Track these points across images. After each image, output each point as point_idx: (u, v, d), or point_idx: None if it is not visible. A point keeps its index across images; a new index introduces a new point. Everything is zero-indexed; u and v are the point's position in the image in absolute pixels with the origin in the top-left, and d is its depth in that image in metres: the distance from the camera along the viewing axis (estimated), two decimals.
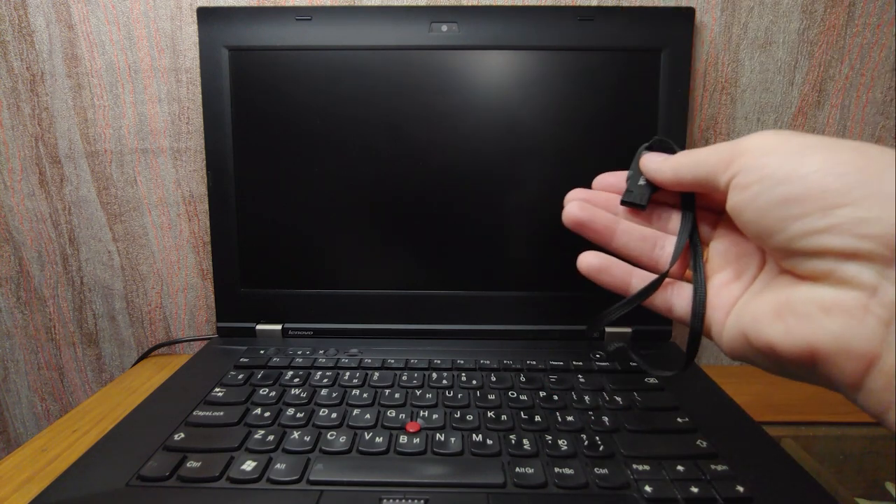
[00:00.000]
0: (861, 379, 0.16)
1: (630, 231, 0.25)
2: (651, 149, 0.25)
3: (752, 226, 0.19)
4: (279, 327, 0.41)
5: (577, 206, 0.26)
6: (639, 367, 0.32)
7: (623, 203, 0.25)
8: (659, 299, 0.25)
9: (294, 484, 0.23)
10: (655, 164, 0.24)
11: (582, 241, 0.40)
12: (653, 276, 0.25)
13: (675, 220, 0.25)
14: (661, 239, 0.25)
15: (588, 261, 0.26)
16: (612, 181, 0.27)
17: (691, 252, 0.24)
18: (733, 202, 0.20)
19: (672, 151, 0.24)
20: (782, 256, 0.19)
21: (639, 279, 0.25)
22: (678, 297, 0.24)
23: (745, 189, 0.19)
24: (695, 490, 0.23)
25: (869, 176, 0.16)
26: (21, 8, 0.41)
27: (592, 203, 0.26)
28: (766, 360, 0.19)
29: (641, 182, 0.25)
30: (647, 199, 0.25)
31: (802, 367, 0.17)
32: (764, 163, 0.18)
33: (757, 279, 0.22)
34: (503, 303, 0.40)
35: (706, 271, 0.24)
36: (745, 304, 0.21)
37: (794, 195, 0.17)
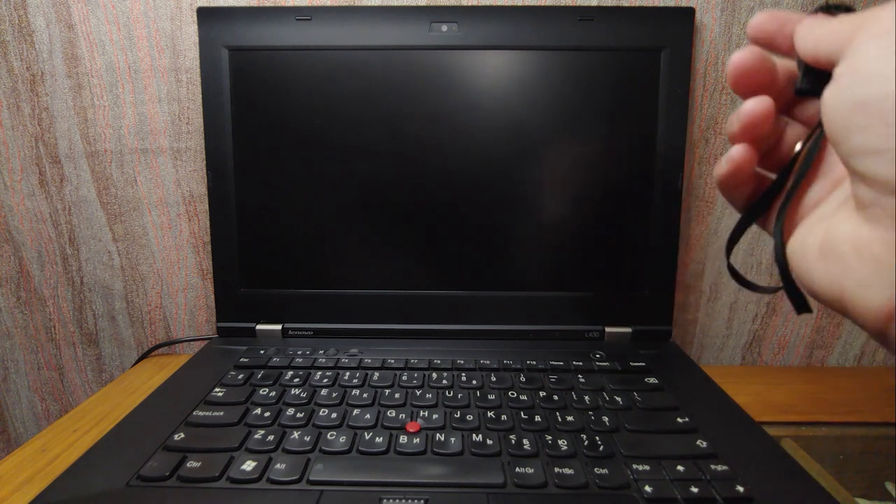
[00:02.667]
0: (883, 327, 0.15)
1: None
2: (829, 10, 0.18)
3: (829, 126, 0.16)
4: (279, 327, 0.41)
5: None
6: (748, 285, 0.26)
7: (799, 92, 0.20)
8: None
9: (294, 484, 0.23)
10: (803, 31, 0.18)
11: (579, 242, 0.40)
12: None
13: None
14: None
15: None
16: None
17: (798, 171, 0.20)
18: (826, 92, 0.16)
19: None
20: (848, 172, 0.16)
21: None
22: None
23: (837, 79, 0.16)
24: (695, 490, 0.23)
25: None
26: (21, 8, 0.41)
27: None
28: (812, 294, 0.18)
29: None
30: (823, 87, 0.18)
31: (835, 308, 0.17)
32: (865, 50, 0.15)
33: (830, 197, 0.19)
34: (503, 303, 0.40)
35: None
36: (802, 232, 0.19)
37: (870, 99, 0.14)
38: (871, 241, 0.15)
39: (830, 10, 0.18)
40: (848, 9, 0.18)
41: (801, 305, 0.19)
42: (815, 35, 0.18)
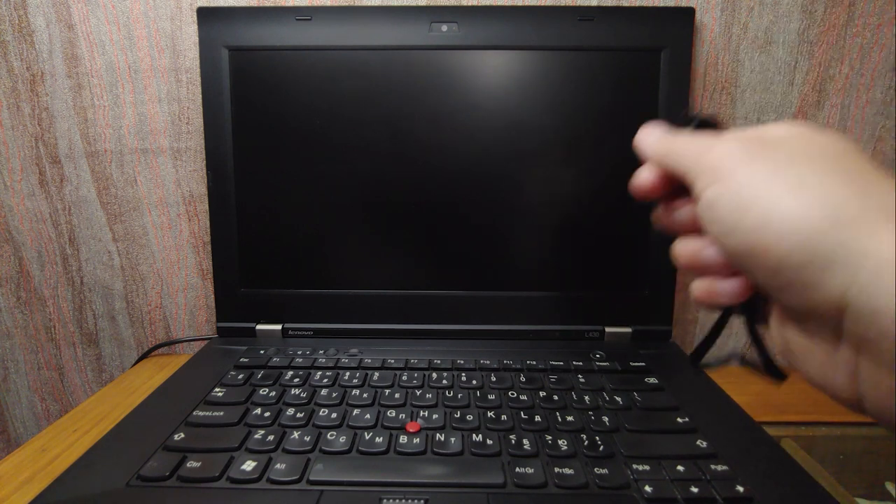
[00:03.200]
0: (859, 411, 0.17)
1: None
2: (698, 126, 0.22)
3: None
4: (279, 327, 0.41)
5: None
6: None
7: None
8: None
9: (294, 484, 0.23)
10: (648, 140, 0.22)
11: (579, 242, 0.40)
12: None
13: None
14: None
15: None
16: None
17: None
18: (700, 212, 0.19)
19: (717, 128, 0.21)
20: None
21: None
22: None
23: (705, 211, 0.18)
24: (695, 490, 0.23)
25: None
26: (21, 8, 0.41)
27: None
28: None
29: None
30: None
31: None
32: (719, 195, 0.17)
33: None
34: (503, 303, 0.40)
35: None
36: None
37: (751, 250, 0.16)
38: (811, 349, 0.17)
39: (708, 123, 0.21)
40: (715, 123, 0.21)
41: (778, 376, 0.21)
42: (660, 146, 0.21)
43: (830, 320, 0.16)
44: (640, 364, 0.35)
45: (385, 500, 0.22)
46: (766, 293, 0.18)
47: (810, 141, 0.18)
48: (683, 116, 0.22)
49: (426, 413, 0.29)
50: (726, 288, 0.20)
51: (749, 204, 0.16)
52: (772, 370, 0.21)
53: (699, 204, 0.18)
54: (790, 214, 0.16)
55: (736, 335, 0.46)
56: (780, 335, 0.19)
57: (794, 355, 0.18)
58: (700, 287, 0.21)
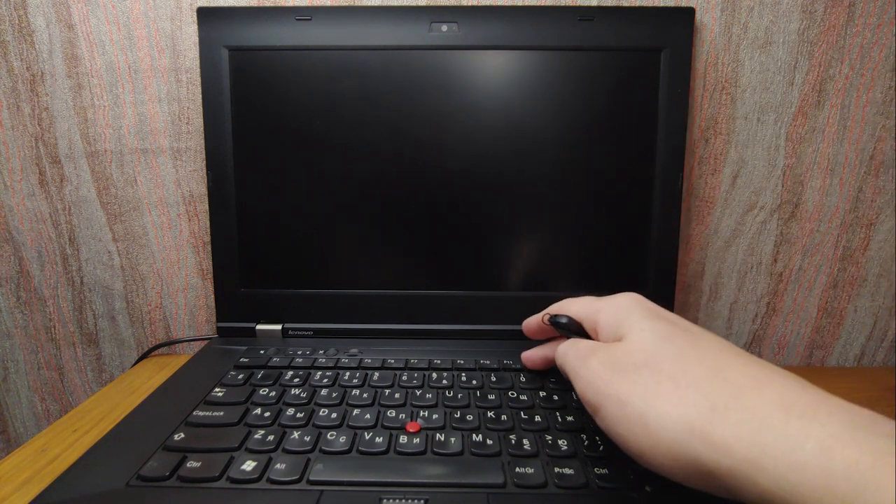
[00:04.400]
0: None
1: None
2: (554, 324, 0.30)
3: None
4: (279, 327, 0.41)
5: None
6: None
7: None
8: None
9: (294, 484, 0.23)
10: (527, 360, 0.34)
11: (579, 242, 0.40)
12: None
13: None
14: None
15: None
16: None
17: None
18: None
19: (563, 328, 0.29)
20: None
21: None
22: None
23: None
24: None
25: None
26: (21, 8, 0.41)
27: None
28: None
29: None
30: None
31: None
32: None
33: None
34: (503, 303, 0.40)
35: None
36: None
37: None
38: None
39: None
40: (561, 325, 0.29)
41: None
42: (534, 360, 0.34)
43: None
44: None
45: (385, 500, 0.22)
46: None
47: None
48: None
49: (426, 413, 0.29)
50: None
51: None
52: None
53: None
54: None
55: (736, 335, 0.46)
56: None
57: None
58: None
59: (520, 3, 0.41)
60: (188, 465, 0.25)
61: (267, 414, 0.29)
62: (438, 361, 0.35)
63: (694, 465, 0.18)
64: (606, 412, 0.22)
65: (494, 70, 0.38)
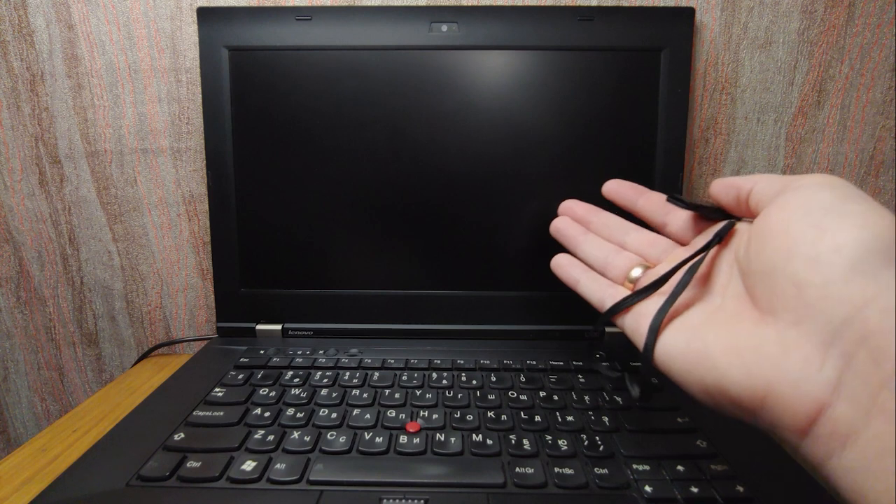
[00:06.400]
0: (809, 426, 0.16)
1: (591, 242, 0.31)
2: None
3: (761, 239, 0.20)
4: (279, 327, 0.41)
5: (559, 219, 0.33)
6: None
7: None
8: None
9: (294, 484, 0.23)
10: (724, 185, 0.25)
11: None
12: (595, 278, 0.29)
13: (633, 235, 0.30)
14: (612, 252, 0.29)
15: (555, 259, 0.32)
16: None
17: (685, 274, 0.23)
18: (766, 217, 0.20)
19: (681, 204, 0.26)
20: (763, 280, 0.19)
21: (586, 279, 0.30)
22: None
23: (783, 207, 0.19)
24: (695, 490, 0.23)
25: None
26: (21, 8, 0.41)
27: (574, 213, 0.33)
28: (709, 397, 0.19)
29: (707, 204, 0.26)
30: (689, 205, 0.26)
31: (746, 407, 0.18)
32: (808, 190, 0.19)
33: (697, 305, 0.22)
34: (503, 303, 0.40)
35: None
36: (694, 331, 0.21)
37: (814, 223, 0.18)
38: (799, 342, 0.17)
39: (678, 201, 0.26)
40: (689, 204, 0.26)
41: (647, 395, 0.23)
42: (747, 185, 0.23)
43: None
44: (640, 364, 0.35)
45: (385, 500, 0.22)
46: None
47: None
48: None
49: (426, 413, 0.29)
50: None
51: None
52: (646, 386, 0.23)
53: (761, 215, 0.20)
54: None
55: None
56: (745, 336, 0.19)
57: (762, 356, 0.18)
58: None
59: (520, 4, 0.41)
60: (188, 465, 0.25)
61: (267, 414, 0.29)
62: (438, 361, 0.35)
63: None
64: None
65: (494, 70, 0.38)
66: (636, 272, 0.27)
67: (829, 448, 0.16)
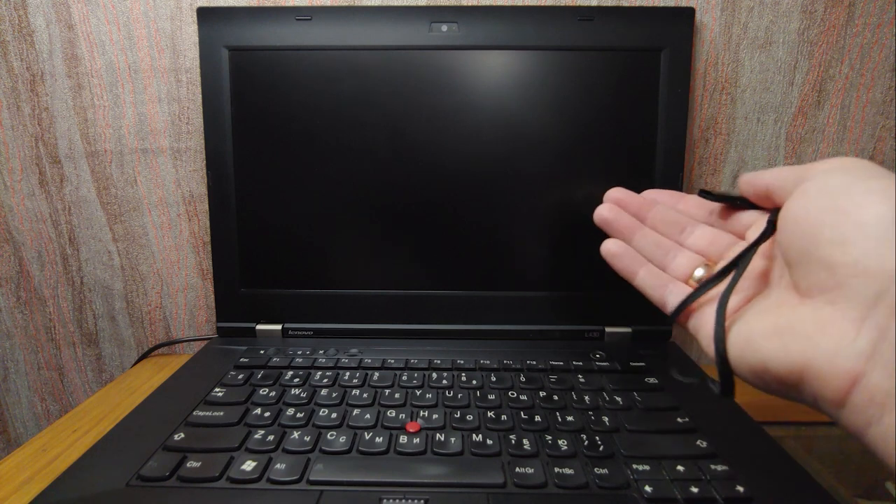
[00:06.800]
0: (846, 396, 0.17)
1: (647, 236, 0.29)
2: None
3: (790, 227, 0.20)
4: (279, 327, 0.41)
5: (607, 207, 0.31)
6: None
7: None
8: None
9: (294, 484, 0.23)
10: (750, 174, 0.25)
11: (579, 242, 0.40)
12: (657, 273, 0.28)
13: (694, 234, 0.28)
14: (672, 249, 0.28)
15: (608, 246, 0.30)
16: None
17: (734, 274, 0.23)
18: (790, 205, 0.21)
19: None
20: (799, 263, 0.20)
21: (645, 273, 0.29)
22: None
23: (804, 194, 0.20)
24: (695, 490, 0.23)
25: None
26: (21, 8, 0.41)
27: (625, 204, 0.30)
28: (757, 377, 0.20)
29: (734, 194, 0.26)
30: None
31: (789, 383, 0.19)
32: (826, 175, 0.20)
33: (755, 299, 0.23)
34: (503, 303, 0.40)
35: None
36: (742, 320, 0.22)
37: (837, 206, 0.18)
38: (834, 319, 0.17)
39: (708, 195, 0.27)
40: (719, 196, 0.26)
41: (728, 387, 0.22)
42: (765, 180, 0.23)
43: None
44: (640, 364, 0.35)
45: (385, 500, 0.22)
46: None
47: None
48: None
49: (426, 413, 0.29)
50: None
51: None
52: (725, 379, 0.22)
53: (786, 203, 0.21)
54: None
55: None
56: (785, 319, 0.19)
57: (800, 335, 0.18)
58: None
59: (520, 3, 0.41)
60: (188, 465, 0.25)
61: (267, 414, 0.29)
62: (438, 361, 0.35)
63: None
64: None
65: (494, 70, 0.38)
66: (699, 272, 0.26)
67: (868, 416, 0.16)
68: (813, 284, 0.19)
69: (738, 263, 0.23)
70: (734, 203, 0.26)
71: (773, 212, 0.23)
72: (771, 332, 0.19)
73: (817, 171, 0.20)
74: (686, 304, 0.25)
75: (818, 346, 0.18)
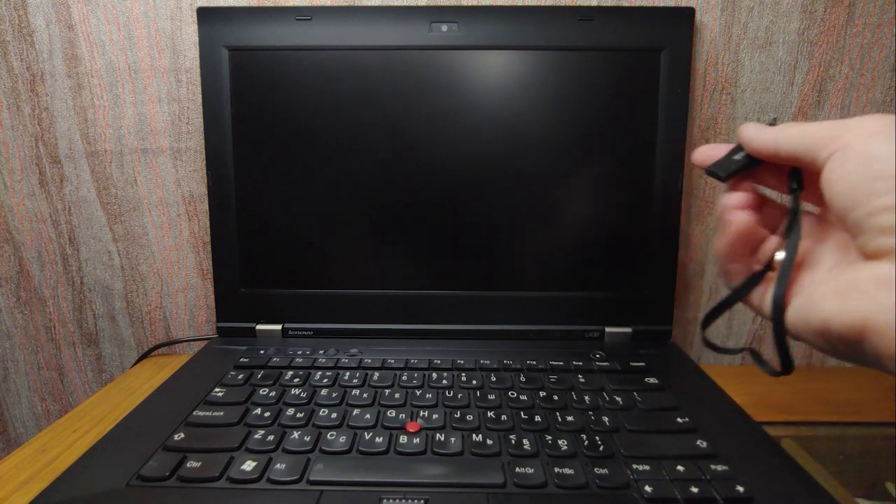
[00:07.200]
0: None
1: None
2: None
3: (840, 198, 0.20)
4: (279, 327, 0.41)
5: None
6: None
7: (707, 172, 0.25)
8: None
9: (294, 484, 0.23)
10: (753, 130, 0.23)
11: (579, 242, 0.40)
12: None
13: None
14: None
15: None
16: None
17: (790, 239, 0.23)
18: (830, 174, 0.20)
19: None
20: (857, 232, 0.19)
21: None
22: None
23: (844, 163, 0.20)
24: (695, 490, 0.23)
25: None
26: (21, 8, 0.41)
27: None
28: (820, 337, 0.20)
29: (738, 156, 0.24)
30: (729, 173, 0.24)
31: (851, 343, 0.19)
32: (868, 141, 0.19)
33: (819, 267, 0.22)
34: (503, 303, 0.40)
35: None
36: (809, 289, 0.21)
37: (886, 172, 0.18)
38: (892, 277, 0.18)
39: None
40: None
41: (786, 361, 0.22)
42: (770, 134, 0.22)
43: None
44: (640, 364, 0.35)
45: (385, 500, 0.22)
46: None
47: None
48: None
49: (426, 413, 0.29)
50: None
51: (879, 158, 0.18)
52: (784, 357, 0.22)
53: (834, 164, 0.20)
54: None
55: (736, 335, 0.46)
56: (845, 280, 0.19)
57: (859, 293, 0.18)
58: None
59: (520, 3, 0.41)
60: (188, 465, 0.25)
61: (267, 414, 0.29)
62: (438, 361, 0.35)
63: None
64: None
65: (494, 70, 0.38)
66: (780, 255, 0.24)
67: None
68: (872, 249, 0.19)
69: (790, 234, 0.23)
70: (748, 166, 0.24)
71: (794, 173, 0.23)
72: (831, 294, 0.20)
73: (856, 135, 0.20)
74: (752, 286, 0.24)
75: (878, 301, 0.18)
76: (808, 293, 0.21)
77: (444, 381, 0.32)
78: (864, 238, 0.19)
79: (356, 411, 0.29)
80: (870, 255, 0.19)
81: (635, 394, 0.31)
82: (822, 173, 0.20)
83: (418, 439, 0.26)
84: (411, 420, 0.28)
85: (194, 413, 0.29)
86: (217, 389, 0.32)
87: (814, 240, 0.23)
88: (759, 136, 0.23)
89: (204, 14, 0.39)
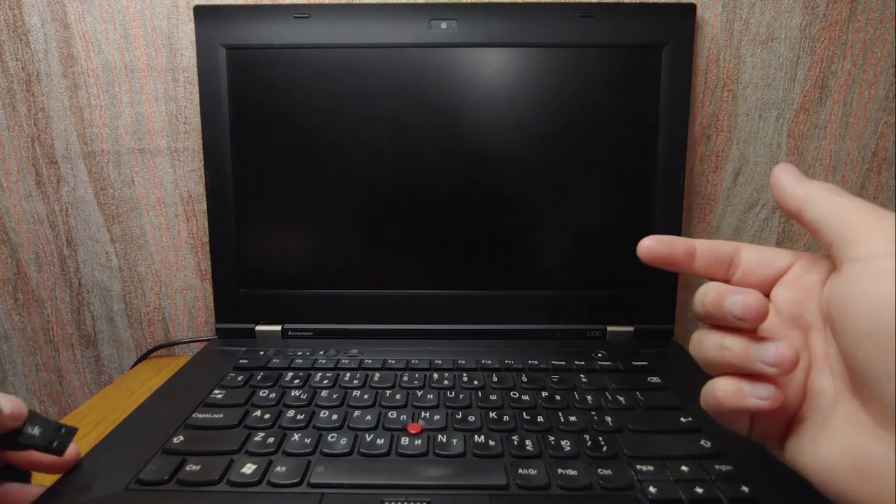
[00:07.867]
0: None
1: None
2: None
3: (853, 329, 0.16)
4: (279, 328, 0.40)
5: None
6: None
7: None
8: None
9: (295, 487, 0.23)
10: (787, 179, 0.19)
11: (580, 240, 0.40)
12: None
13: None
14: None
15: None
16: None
17: None
18: (844, 288, 0.17)
19: None
20: (872, 394, 0.16)
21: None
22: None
23: (867, 284, 0.16)
24: (699, 490, 0.23)
25: None
26: (16, 7, 0.41)
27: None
28: (816, 483, 0.18)
29: None
30: None
31: None
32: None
33: (815, 404, 0.19)
34: (504, 302, 0.40)
35: None
36: (811, 437, 0.19)
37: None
38: None
39: None
40: None
41: None
42: (804, 190, 0.18)
43: None
44: (643, 363, 0.35)
45: (387, 503, 0.22)
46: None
47: None
48: None
49: (427, 414, 0.29)
50: (761, 392, 0.18)
51: None
52: None
53: (838, 274, 0.17)
54: None
55: None
56: (862, 451, 0.17)
57: (883, 481, 0.16)
58: (726, 387, 0.19)
59: (519, 0, 0.40)
60: (188, 468, 0.24)
61: (267, 416, 0.29)
62: (439, 362, 0.35)
63: None
64: None
65: (494, 68, 0.38)
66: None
67: None
68: (888, 419, 0.15)
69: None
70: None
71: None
72: (850, 468, 0.17)
73: (876, 263, 0.16)
74: None
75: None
76: (822, 456, 0.18)
77: (446, 382, 0.32)
78: (877, 404, 0.16)
79: (357, 412, 0.29)
80: (879, 422, 0.16)
81: (638, 393, 0.31)
82: (839, 277, 0.17)
83: (420, 440, 0.26)
84: (413, 421, 0.28)
85: (194, 415, 0.29)
86: (216, 391, 0.32)
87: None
88: (793, 189, 0.19)
89: (201, 12, 0.38)
